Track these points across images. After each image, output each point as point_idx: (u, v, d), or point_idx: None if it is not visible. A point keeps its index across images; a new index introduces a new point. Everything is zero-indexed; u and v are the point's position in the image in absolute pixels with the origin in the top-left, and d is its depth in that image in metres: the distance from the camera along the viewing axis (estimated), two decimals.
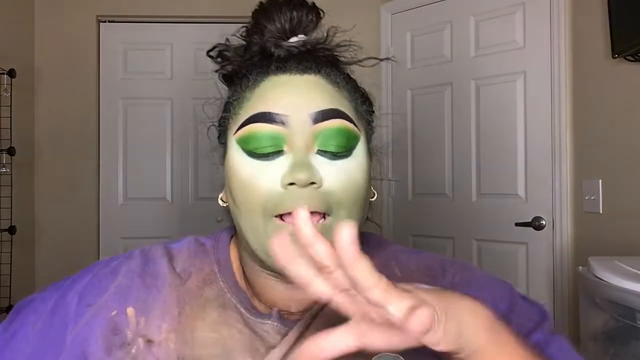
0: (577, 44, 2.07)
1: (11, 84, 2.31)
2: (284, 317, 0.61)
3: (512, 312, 0.61)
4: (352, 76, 0.66)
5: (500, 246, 2.32)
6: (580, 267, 1.51)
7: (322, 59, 0.63)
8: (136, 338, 0.59)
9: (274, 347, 0.58)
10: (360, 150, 0.59)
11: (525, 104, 2.23)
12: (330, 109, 0.58)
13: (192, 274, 0.64)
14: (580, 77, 2.06)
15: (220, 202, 0.63)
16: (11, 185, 2.31)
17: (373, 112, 0.67)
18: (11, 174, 2.30)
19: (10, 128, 2.31)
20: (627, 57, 1.74)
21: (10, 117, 2.30)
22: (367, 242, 0.68)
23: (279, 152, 0.57)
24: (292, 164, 0.56)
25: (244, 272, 0.65)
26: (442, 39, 2.50)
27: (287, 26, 0.63)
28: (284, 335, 0.59)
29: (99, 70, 2.79)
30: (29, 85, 2.66)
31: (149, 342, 0.59)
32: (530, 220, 2.19)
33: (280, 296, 0.62)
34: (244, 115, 0.59)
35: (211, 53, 0.67)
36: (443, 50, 2.50)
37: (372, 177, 0.64)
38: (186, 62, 2.81)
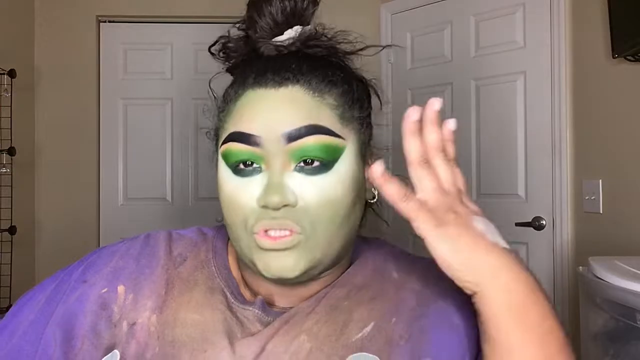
0: (577, 44, 2.07)
1: (11, 84, 2.31)
2: (268, 308, 0.61)
3: None
4: (348, 70, 0.64)
5: None
6: (580, 267, 1.51)
7: (311, 59, 0.61)
8: (121, 320, 0.60)
9: (252, 334, 0.59)
10: (344, 161, 0.58)
11: (525, 104, 2.23)
12: (305, 126, 0.56)
13: (187, 259, 0.65)
14: (580, 77, 2.06)
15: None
16: (11, 185, 2.31)
17: (370, 107, 0.65)
18: (11, 174, 2.30)
19: (10, 128, 2.31)
20: (627, 57, 1.74)
21: (10, 117, 2.30)
22: (365, 248, 0.67)
23: (258, 170, 0.57)
24: (266, 185, 0.56)
25: (239, 265, 0.66)
26: (442, 39, 2.50)
27: (279, 19, 0.61)
28: (266, 325, 0.59)
29: (99, 70, 2.79)
30: (29, 85, 2.65)
31: (132, 325, 0.60)
32: (530, 220, 2.19)
33: (269, 292, 0.63)
34: (227, 130, 0.59)
35: (213, 49, 0.66)
36: (443, 50, 2.50)
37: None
38: (186, 62, 2.81)
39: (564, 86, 2.11)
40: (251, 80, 0.59)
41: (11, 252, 2.32)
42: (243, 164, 0.57)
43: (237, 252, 0.61)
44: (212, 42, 0.66)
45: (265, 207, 0.55)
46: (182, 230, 0.70)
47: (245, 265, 0.62)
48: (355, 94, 0.62)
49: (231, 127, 0.58)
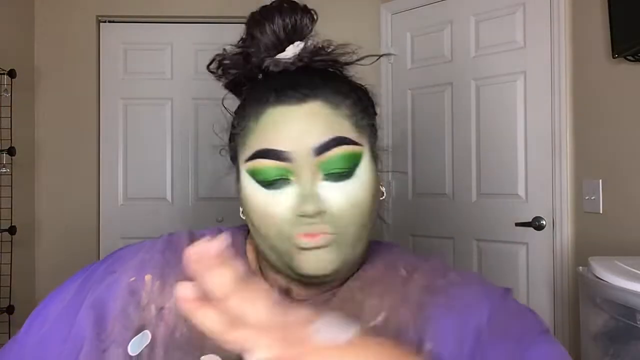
0: (577, 44, 2.07)
1: (11, 84, 2.31)
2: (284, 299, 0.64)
3: (493, 319, 0.62)
4: (352, 82, 0.66)
5: (500, 246, 2.32)
6: (580, 267, 1.51)
7: (319, 74, 0.64)
8: (150, 304, 0.64)
9: None
10: (364, 165, 0.62)
11: (525, 104, 2.23)
12: (331, 139, 0.60)
13: None
14: (580, 77, 2.06)
15: (242, 216, 0.66)
16: (11, 185, 2.31)
17: (375, 114, 0.68)
18: (11, 174, 2.30)
19: (10, 128, 2.31)
20: (627, 57, 1.74)
21: (10, 117, 2.30)
22: (377, 248, 0.70)
23: (287, 181, 0.60)
24: (300, 195, 0.59)
25: (258, 261, 0.69)
26: (442, 39, 2.50)
27: (281, 35, 0.64)
28: None
29: (99, 70, 2.80)
30: (29, 85, 2.66)
31: (160, 309, 0.63)
32: (530, 220, 2.19)
33: (287, 287, 0.66)
34: (251, 146, 0.61)
35: (211, 67, 0.67)
36: (443, 50, 2.50)
37: (381, 171, 0.67)
38: (186, 62, 2.81)
39: (564, 86, 2.11)
40: (272, 98, 0.61)
41: (11, 252, 2.32)
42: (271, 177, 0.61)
43: (271, 260, 0.64)
44: (209, 62, 0.67)
45: (302, 215, 0.59)
46: (201, 230, 0.74)
47: (269, 265, 0.65)
48: (363, 102, 0.65)
49: (256, 145, 0.61)
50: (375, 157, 0.65)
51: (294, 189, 0.60)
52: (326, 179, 0.60)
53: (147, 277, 0.66)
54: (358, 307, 0.62)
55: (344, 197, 0.60)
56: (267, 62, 0.64)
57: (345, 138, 0.60)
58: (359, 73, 0.68)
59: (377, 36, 2.69)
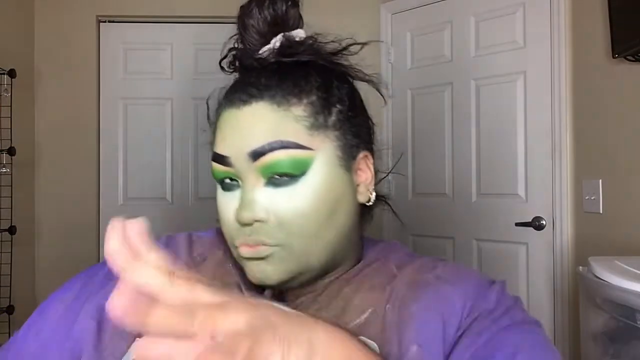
0: (577, 44, 2.07)
1: (11, 84, 2.31)
2: (278, 298, 0.63)
3: (475, 306, 0.59)
4: (337, 72, 0.63)
5: (500, 246, 2.32)
6: (580, 267, 1.51)
7: (285, 69, 0.60)
8: None
9: None
10: (315, 171, 0.58)
11: (525, 104, 2.23)
12: (269, 143, 0.56)
13: (206, 259, 0.68)
14: (580, 77, 2.06)
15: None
16: (11, 185, 2.31)
17: (356, 107, 0.63)
18: (11, 174, 2.30)
19: (10, 128, 2.31)
20: (627, 57, 1.74)
21: (10, 117, 2.30)
22: (376, 246, 0.69)
23: (237, 186, 0.60)
24: (239, 202, 0.58)
25: None
26: (442, 39, 2.50)
27: (263, 29, 0.62)
28: None
29: (99, 70, 2.80)
30: (29, 85, 2.66)
31: None
32: (530, 220, 2.19)
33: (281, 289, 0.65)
34: (213, 149, 0.62)
35: (223, 63, 0.66)
36: (443, 50, 2.50)
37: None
38: (186, 62, 2.81)
39: (564, 86, 2.11)
40: (224, 100, 0.61)
41: (11, 252, 2.32)
42: (228, 179, 0.60)
43: None
44: (222, 57, 0.66)
45: (240, 223, 0.58)
46: (201, 232, 0.73)
47: None
48: (334, 97, 0.61)
49: (214, 147, 0.61)
50: (346, 159, 0.60)
51: (239, 193, 0.59)
52: (268, 185, 0.58)
53: None
54: (344, 305, 0.61)
55: (287, 204, 0.57)
56: (243, 57, 0.63)
57: (288, 142, 0.57)
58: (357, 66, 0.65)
59: (377, 36, 2.68)
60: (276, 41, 0.62)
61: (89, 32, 2.77)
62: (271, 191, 0.57)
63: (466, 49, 2.42)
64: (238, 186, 0.60)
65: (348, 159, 0.61)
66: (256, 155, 0.57)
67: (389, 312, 0.60)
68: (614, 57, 1.78)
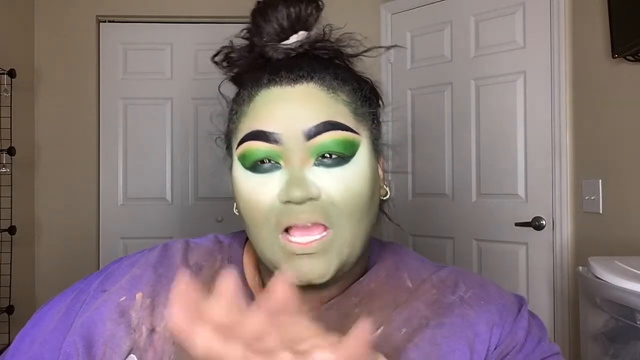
0: (577, 44, 2.07)
1: (11, 84, 2.31)
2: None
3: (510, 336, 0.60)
4: (354, 71, 0.64)
5: (500, 246, 2.32)
6: (580, 267, 1.51)
7: (320, 60, 0.62)
8: (140, 325, 0.60)
9: None
10: (361, 155, 0.58)
11: (525, 104, 2.23)
12: (324, 122, 0.56)
13: (203, 268, 0.66)
14: (580, 77, 2.06)
15: (235, 212, 0.63)
16: (11, 185, 2.31)
17: (379, 106, 0.65)
18: (11, 174, 2.30)
19: (10, 128, 2.31)
20: (627, 57, 1.74)
21: (10, 117, 2.30)
22: (381, 251, 0.67)
23: (276, 166, 0.57)
24: (287, 181, 0.55)
25: (259, 269, 0.66)
26: (442, 39, 2.50)
27: (285, 24, 0.62)
28: None
29: (99, 70, 2.80)
30: (29, 85, 2.66)
31: (152, 331, 0.60)
32: (530, 220, 2.19)
33: None
34: (243, 131, 0.59)
35: (216, 59, 0.65)
36: (443, 50, 2.50)
37: (386, 171, 0.64)
38: (186, 62, 2.81)
39: (564, 86, 2.11)
40: (265, 80, 0.59)
41: (11, 252, 2.32)
42: (261, 161, 0.57)
43: (259, 255, 0.60)
44: (215, 53, 0.65)
45: (288, 202, 0.55)
46: (198, 238, 0.70)
47: (266, 267, 0.61)
48: (364, 92, 0.62)
49: (247, 127, 0.58)
50: (377, 152, 0.62)
51: (282, 174, 0.56)
52: (318, 165, 0.56)
53: (138, 295, 0.62)
54: (354, 322, 0.59)
55: (338, 183, 0.56)
56: (268, 48, 0.62)
57: (340, 123, 0.57)
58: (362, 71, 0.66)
59: (377, 36, 2.69)
60: (300, 36, 0.62)
61: (89, 32, 2.77)
62: (321, 170, 0.56)
63: (466, 49, 2.42)
64: (277, 167, 0.57)
65: (377, 151, 0.62)
66: (310, 134, 0.56)
67: (405, 336, 0.58)
68: (614, 57, 1.78)
